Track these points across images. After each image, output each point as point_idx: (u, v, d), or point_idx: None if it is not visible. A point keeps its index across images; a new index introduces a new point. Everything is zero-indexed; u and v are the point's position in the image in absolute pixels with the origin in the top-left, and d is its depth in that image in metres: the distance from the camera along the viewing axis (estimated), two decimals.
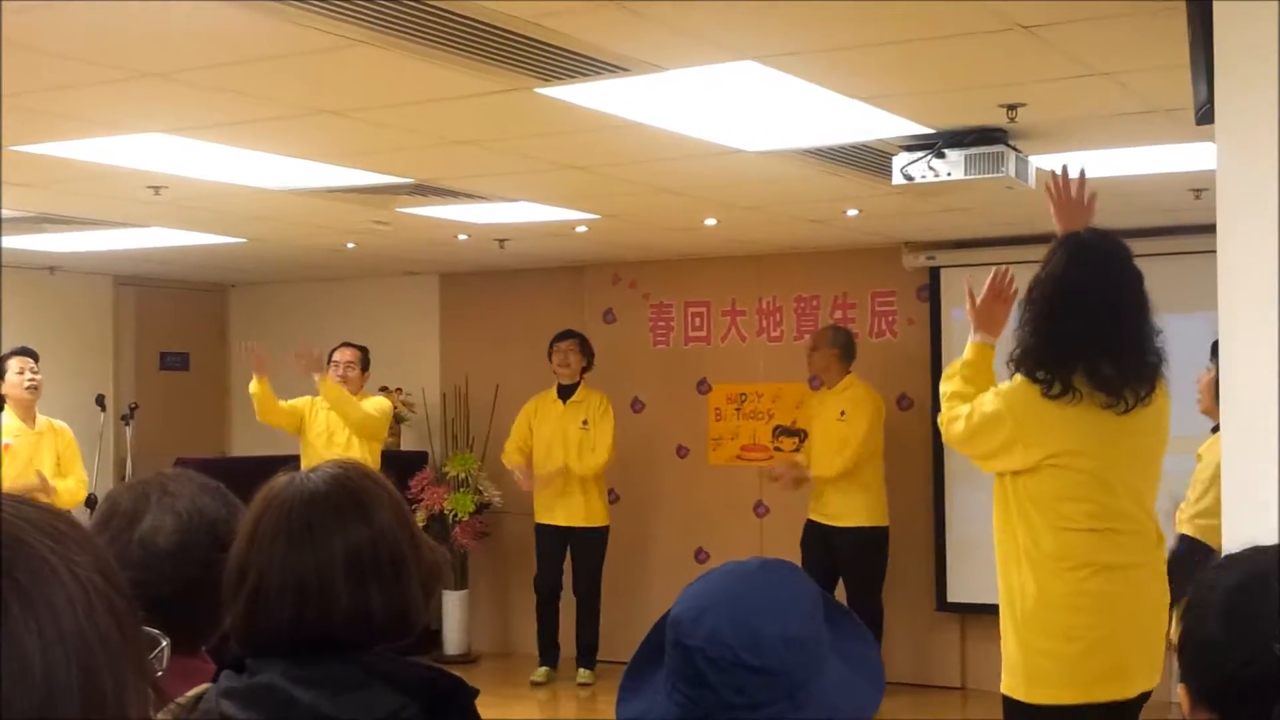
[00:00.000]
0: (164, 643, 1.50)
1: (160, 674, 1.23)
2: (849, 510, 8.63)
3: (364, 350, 9.07)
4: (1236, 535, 2.72)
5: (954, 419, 4.14)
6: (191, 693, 2.09)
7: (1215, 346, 5.15)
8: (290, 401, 8.80)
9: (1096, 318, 4.01)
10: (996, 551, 4.15)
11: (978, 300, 4.30)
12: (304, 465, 7.46)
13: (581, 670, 9.40)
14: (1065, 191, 4.29)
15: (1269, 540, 1.73)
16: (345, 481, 2.21)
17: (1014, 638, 4.05)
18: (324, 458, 2.87)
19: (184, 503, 2.46)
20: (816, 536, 8.58)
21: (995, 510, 4.16)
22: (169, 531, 2.41)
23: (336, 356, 8.94)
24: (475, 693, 2.12)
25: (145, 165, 6.19)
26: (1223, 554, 1.86)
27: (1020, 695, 4.02)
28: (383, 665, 2.07)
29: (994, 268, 4.42)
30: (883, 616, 8.53)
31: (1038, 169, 6.03)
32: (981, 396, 4.09)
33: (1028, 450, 4.00)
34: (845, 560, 8.54)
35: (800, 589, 1.80)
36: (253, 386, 8.64)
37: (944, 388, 4.24)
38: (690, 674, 1.72)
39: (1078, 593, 3.96)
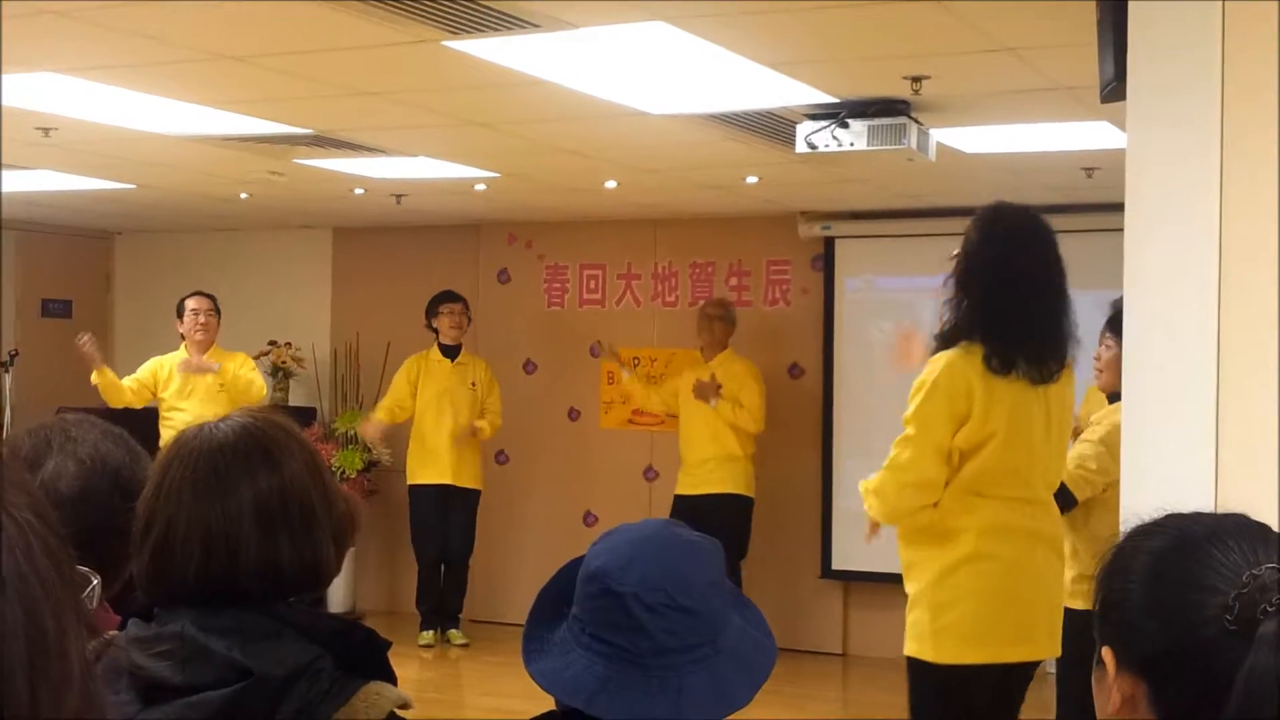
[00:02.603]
0: (95, 581, 1.48)
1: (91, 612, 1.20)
2: (719, 478, 8.68)
3: (214, 299, 8.83)
4: (1135, 507, 2.77)
5: (894, 456, 4.18)
6: (94, 642, 2.05)
7: (1113, 321, 5.24)
8: (133, 376, 8.62)
9: (1020, 289, 4.09)
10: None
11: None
12: (163, 428, 7.43)
13: (453, 631, 9.39)
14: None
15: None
16: (255, 431, 2.18)
17: (923, 601, 4.10)
18: (185, 418, 2.79)
19: (86, 449, 2.41)
20: (683, 509, 8.59)
21: None
22: (71, 477, 2.36)
23: (192, 305, 8.68)
24: (388, 645, 2.11)
25: (36, 105, 6.04)
26: (1122, 526, 1.86)
27: (928, 656, 4.08)
28: (295, 616, 2.05)
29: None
30: (740, 587, 8.58)
31: (940, 141, 6.10)
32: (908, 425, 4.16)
33: (972, 423, 4.05)
34: (711, 527, 8.54)
35: (705, 538, 1.89)
36: (94, 378, 8.46)
37: (896, 502, 4.23)
38: (621, 621, 1.76)
39: (986, 555, 4.03)
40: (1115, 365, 5.12)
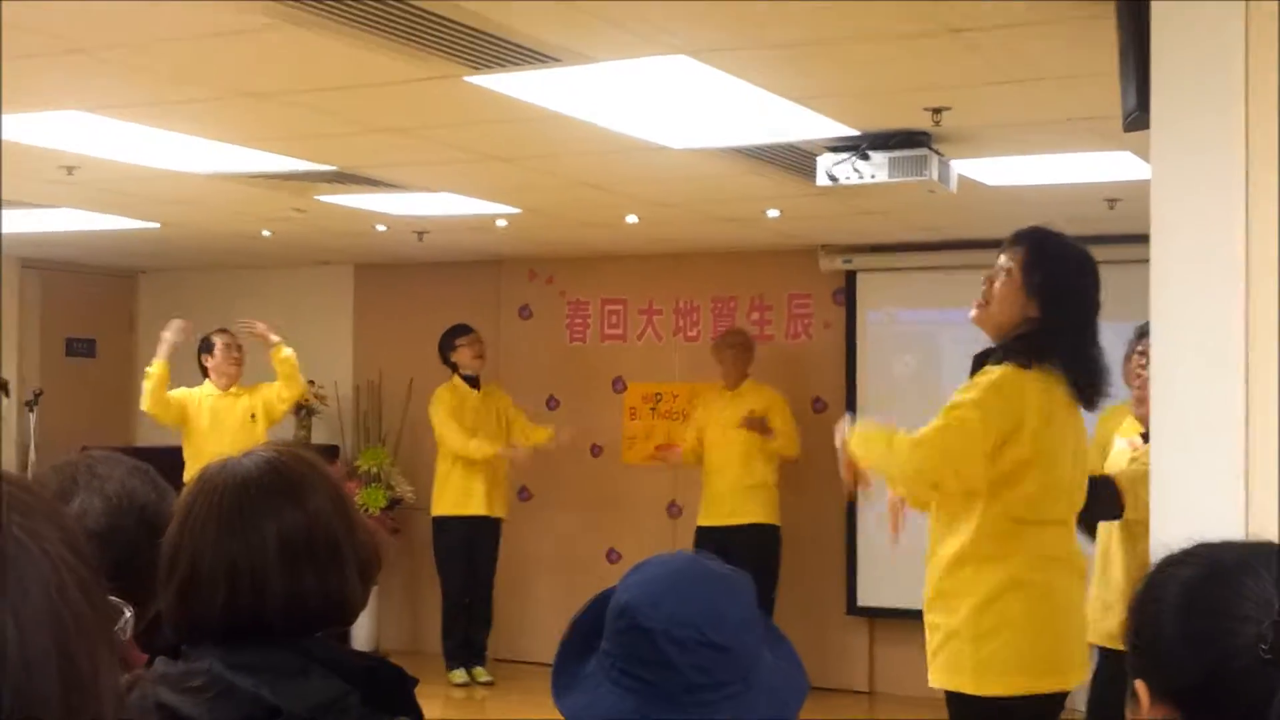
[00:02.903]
0: (127, 613, 1.47)
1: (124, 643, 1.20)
2: (749, 508, 8.68)
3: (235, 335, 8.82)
4: (1165, 538, 2.75)
5: (929, 441, 4.06)
6: (124, 677, 2.04)
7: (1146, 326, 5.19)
8: (175, 393, 8.56)
9: (1086, 315, 4.08)
10: (936, 549, 4.11)
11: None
12: (189, 460, 7.36)
13: (478, 669, 9.35)
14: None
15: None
16: (279, 465, 2.17)
17: (965, 631, 4.02)
18: (211, 453, 2.74)
19: (113, 485, 2.40)
20: (710, 541, 8.56)
21: (937, 511, 4.14)
22: (97, 514, 2.36)
23: (223, 340, 8.67)
24: (415, 682, 2.09)
25: (59, 144, 6.07)
26: (1151, 557, 1.84)
27: (969, 689, 4.01)
28: (322, 652, 2.04)
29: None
30: (771, 617, 8.53)
31: (961, 173, 6.09)
32: (960, 403, 4.05)
33: (1032, 440, 3.98)
34: (742, 558, 8.52)
35: (736, 572, 1.85)
36: (156, 366, 8.38)
37: (903, 463, 4.12)
38: (650, 657, 1.73)
39: (1029, 582, 3.99)
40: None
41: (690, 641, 1.72)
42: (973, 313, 4.15)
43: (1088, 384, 4.05)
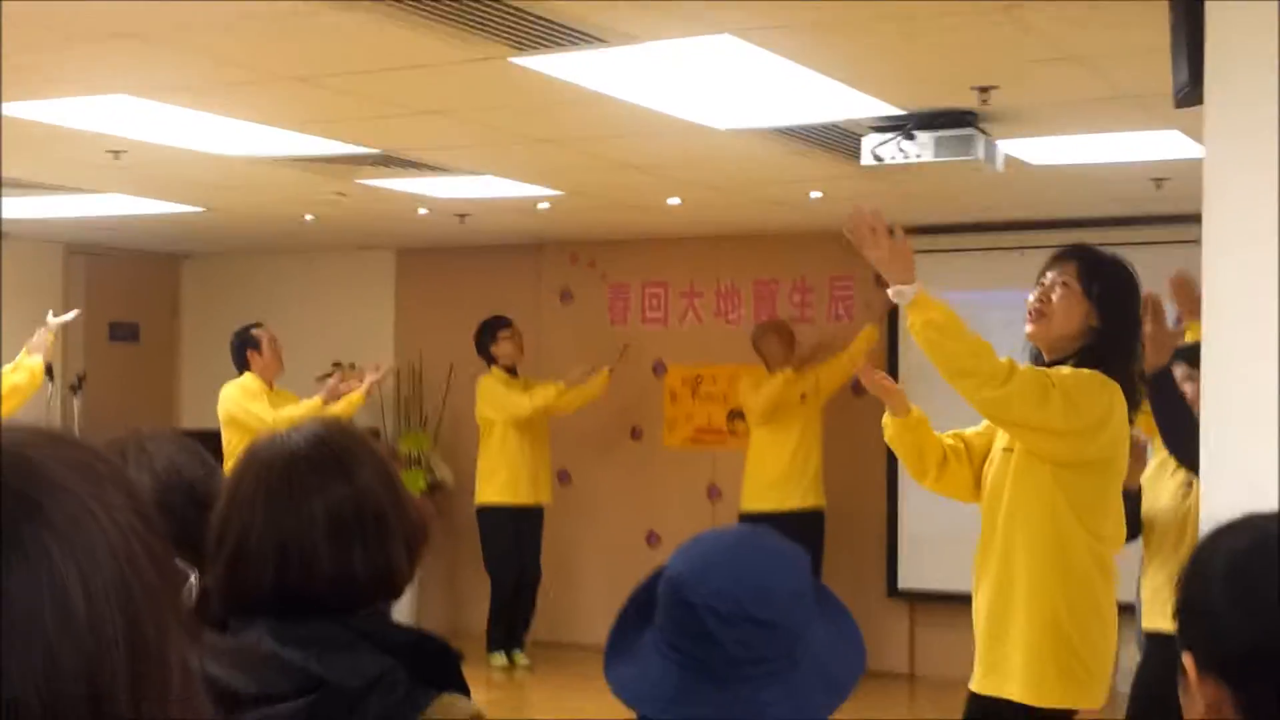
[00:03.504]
0: (192, 576, 1.47)
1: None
2: (800, 492, 8.69)
3: None
4: (1215, 514, 2.72)
5: (1032, 377, 3.86)
6: None
7: (1189, 353, 5.18)
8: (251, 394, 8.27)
9: (1137, 325, 4.10)
10: (1014, 552, 3.97)
11: (874, 250, 3.92)
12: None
13: (517, 653, 9.37)
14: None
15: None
16: (327, 440, 2.18)
17: (1047, 640, 3.92)
18: None
19: (161, 461, 2.41)
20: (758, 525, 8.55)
21: (1019, 510, 3.98)
22: (146, 489, 2.36)
23: (267, 335, 8.31)
24: (461, 656, 2.09)
25: (106, 128, 6.10)
26: (1200, 530, 1.83)
27: (1030, 699, 3.92)
28: (369, 626, 2.04)
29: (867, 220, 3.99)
30: None
31: (1007, 153, 6.05)
32: (1064, 369, 3.94)
33: (1113, 439, 3.93)
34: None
35: (791, 547, 1.84)
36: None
37: (973, 360, 3.81)
38: (695, 630, 1.73)
39: (1106, 603, 3.98)
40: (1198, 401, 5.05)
41: (733, 616, 1.71)
42: (1029, 328, 4.10)
43: (1130, 394, 4.03)
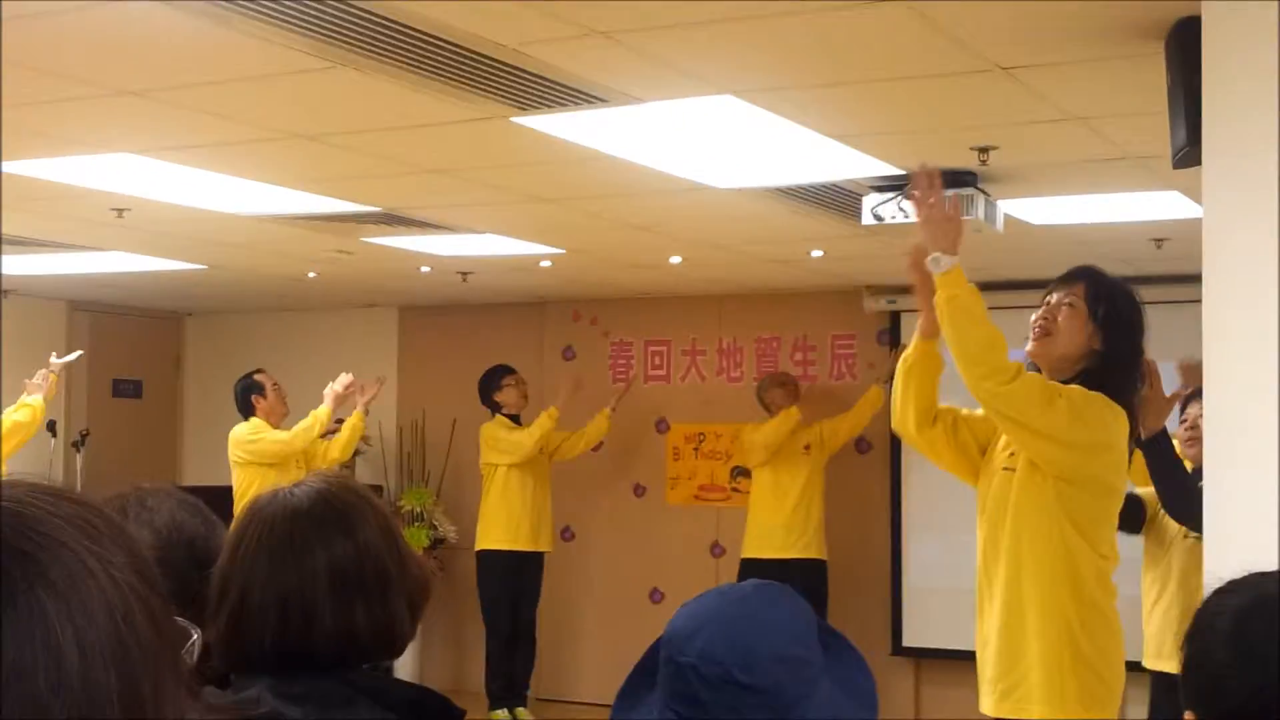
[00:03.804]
0: (195, 635, 1.47)
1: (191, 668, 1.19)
2: (803, 543, 8.69)
3: None
4: (1219, 571, 2.73)
5: (1038, 382, 3.84)
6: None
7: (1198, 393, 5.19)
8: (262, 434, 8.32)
9: (1140, 350, 4.08)
10: (1023, 571, 3.92)
11: (927, 208, 3.85)
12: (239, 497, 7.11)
13: (521, 710, 9.31)
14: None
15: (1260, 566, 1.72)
16: (329, 496, 2.18)
17: (1066, 656, 3.88)
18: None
19: (162, 518, 2.41)
20: (754, 574, 8.54)
21: (1025, 528, 3.94)
22: (147, 545, 2.34)
23: (271, 380, 8.36)
24: (462, 713, 2.09)
25: (110, 186, 6.13)
26: (1204, 588, 1.84)
27: (1054, 716, 3.88)
28: (370, 683, 2.04)
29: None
30: None
31: (1007, 213, 6.08)
32: (1074, 386, 3.92)
33: (1116, 462, 3.92)
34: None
35: (794, 610, 1.80)
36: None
37: (986, 351, 3.78)
38: (684, 691, 1.71)
39: (1113, 617, 3.96)
40: None
41: (716, 679, 1.68)
42: (1030, 346, 4.08)
43: (1132, 418, 4.03)
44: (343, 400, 8.26)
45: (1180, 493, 4.86)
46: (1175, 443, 5.27)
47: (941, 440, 4.10)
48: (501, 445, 9.18)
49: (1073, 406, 3.82)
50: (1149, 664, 5.41)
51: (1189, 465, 5.08)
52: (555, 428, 9.17)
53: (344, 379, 8.28)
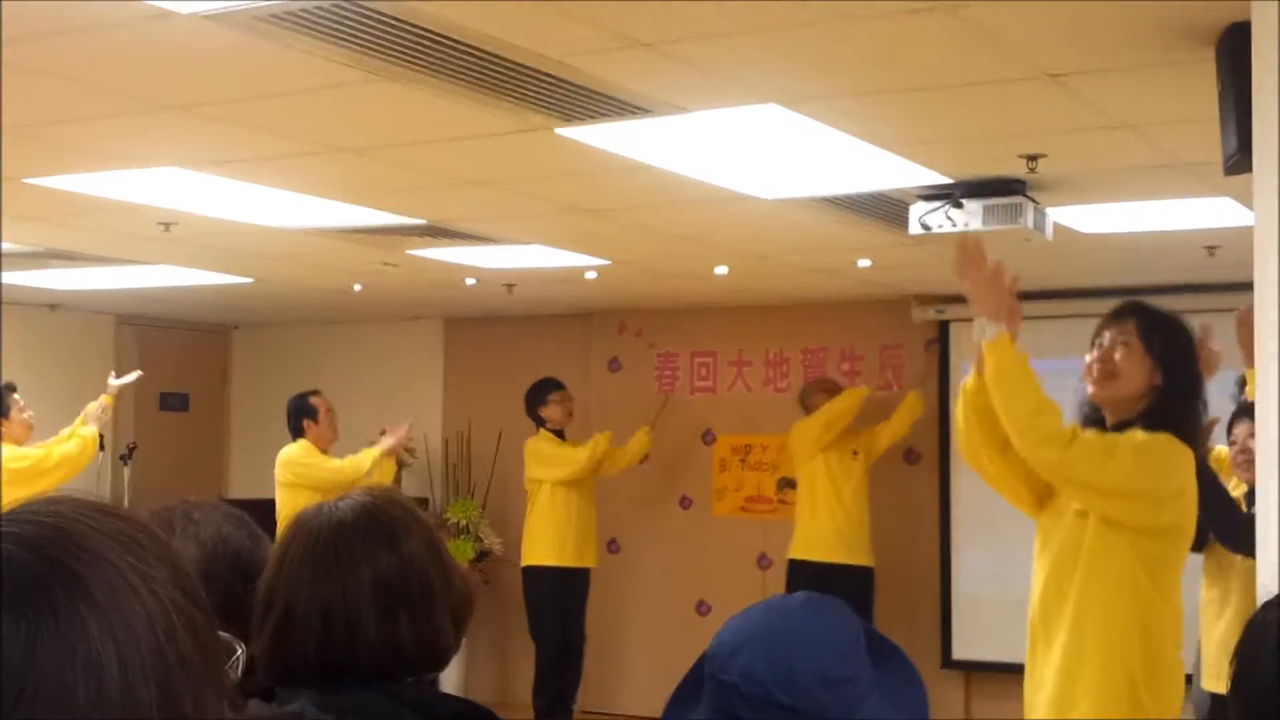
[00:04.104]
0: (239, 650, 1.46)
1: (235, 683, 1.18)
2: (842, 548, 8.64)
3: None
4: (1272, 585, 2.68)
5: (1096, 441, 3.79)
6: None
7: (1250, 409, 5.14)
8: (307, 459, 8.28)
9: (1199, 380, 4.03)
10: (1088, 620, 3.85)
11: (972, 277, 3.79)
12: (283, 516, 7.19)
13: None
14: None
15: None
16: (374, 509, 2.18)
17: (1123, 705, 3.80)
18: None
19: (208, 531, 2.41)
20: (801, 573, 8.51)
21: (1094, 576, 3.85)
22: (192, 559, 2.36)
23: (324, 404, 8.30)
24: None
25: (156, 201, 6.16)
26: (1257, 602, 1.81)
27: None
28: (414, 696, 2.03)
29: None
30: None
31: (1056, 221, 6.03)
32: (1138, 433, 3.84)
33: (1188, 506, 3.85)
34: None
35: (841, 626, 1.77)
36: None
37: (1035, 418, 3.71)
38: (725, 708, 1.70)
39: (1177, 665, 3.90)
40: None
41: (757, 699, 1.67)
42: (1091, 390, 4.01)
43: (1196, 451, 3.97)
44: (391, 453, 8.40)
45: (1229, 521, 4.81)
46: (1223, 463, 5.23)
47: (1012, 474, 3.99)
48: (550, 460, 9.15)
49: (1137, 457, 3.74)
50: (1207, 686, 5.36)
51: (1244, 487, 5.03)
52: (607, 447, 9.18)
53: (387, 442, 8.37)
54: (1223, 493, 4.83)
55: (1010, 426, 3.74)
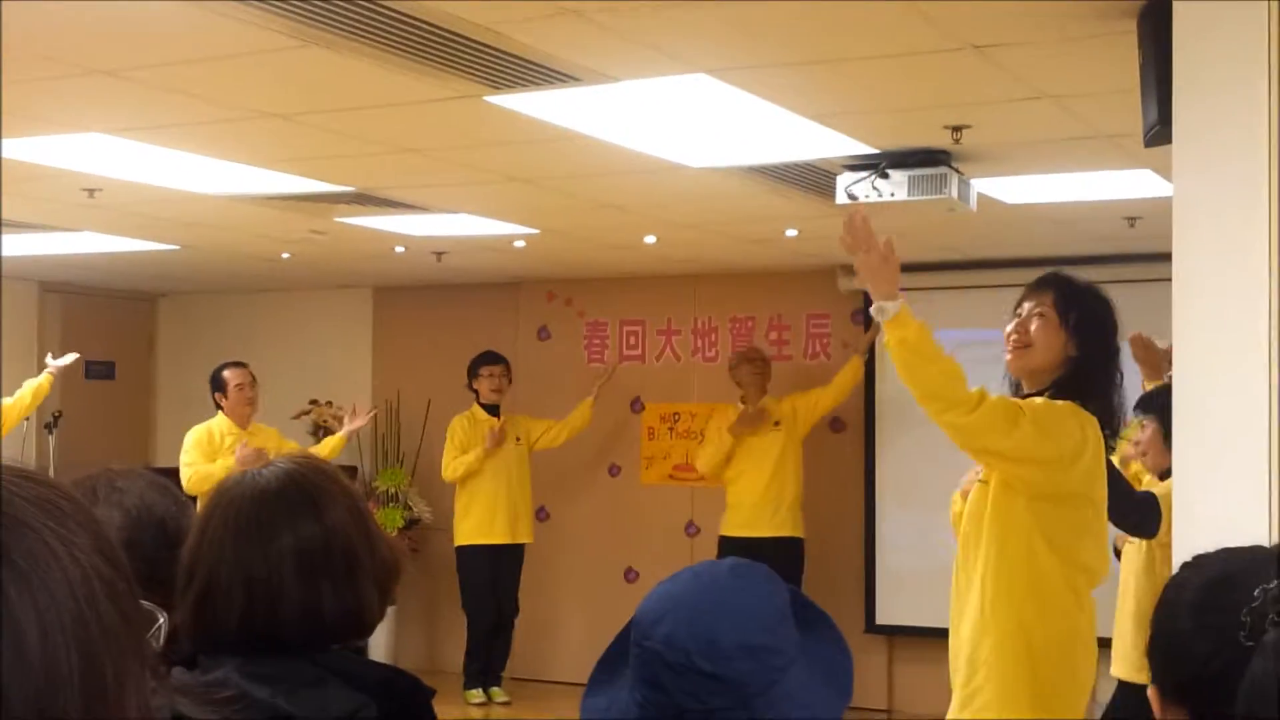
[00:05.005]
0: (161, 619, 1.46)
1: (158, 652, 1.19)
2: (777, 521, 8.70)
3: (247, 366, 8.51)
4: (1192, 542, 2.73)
5: (1001, 405, 3.80)
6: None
7: (1145, 401, 5.27)
8: (192, 463, 8.18)
9: (1115, 352, 4.07)
10: (988, 586, 3.93)
11: (864, 256, 3.81)
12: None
13: (495, 689, 9.34)
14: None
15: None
16: (297, 477, 2.17)
17: (1024, 677, 3.88)
18: None
19: (132, 498, 2.40)
20: (732, 550, 8.57)
21: (994, 543, 3.93)
22: (117, 527, 2.34)
23: (236, 379, 8.29)
24: (432, 693, 2.08)
25: (81, 167, 6.09)
26: (1174, 567, 1.86)
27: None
28: (339, 663, 2.03)
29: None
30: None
31: (981, 192, 6.08)
32: (1037, 400, 3.91)
33: (1088, 471, 3.90)
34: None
35: (766, 595, 1.76)
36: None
37: (940, 385, 3.75)
38: (649, 675, 1.70)
39: (1087, 633, 3.95)
40: (1157, 442, 5.17)
41: (679, 666, 1.67)
42: (1008, 358, 4.08)
43: (1109, 423, 4.03)
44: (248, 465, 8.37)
45: (1122, 503, 4.92)
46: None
47: None
48: (449, 451, 9.35)
49: (1038, 423, 3.80)
50: (1114, 672, 5.53)
51: (1151, 473, 5.21)
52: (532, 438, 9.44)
53: (352, 426, 8.73)
54: (1114, 471, 4.92)
55: (919, 395, 3.79)
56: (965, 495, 4.12)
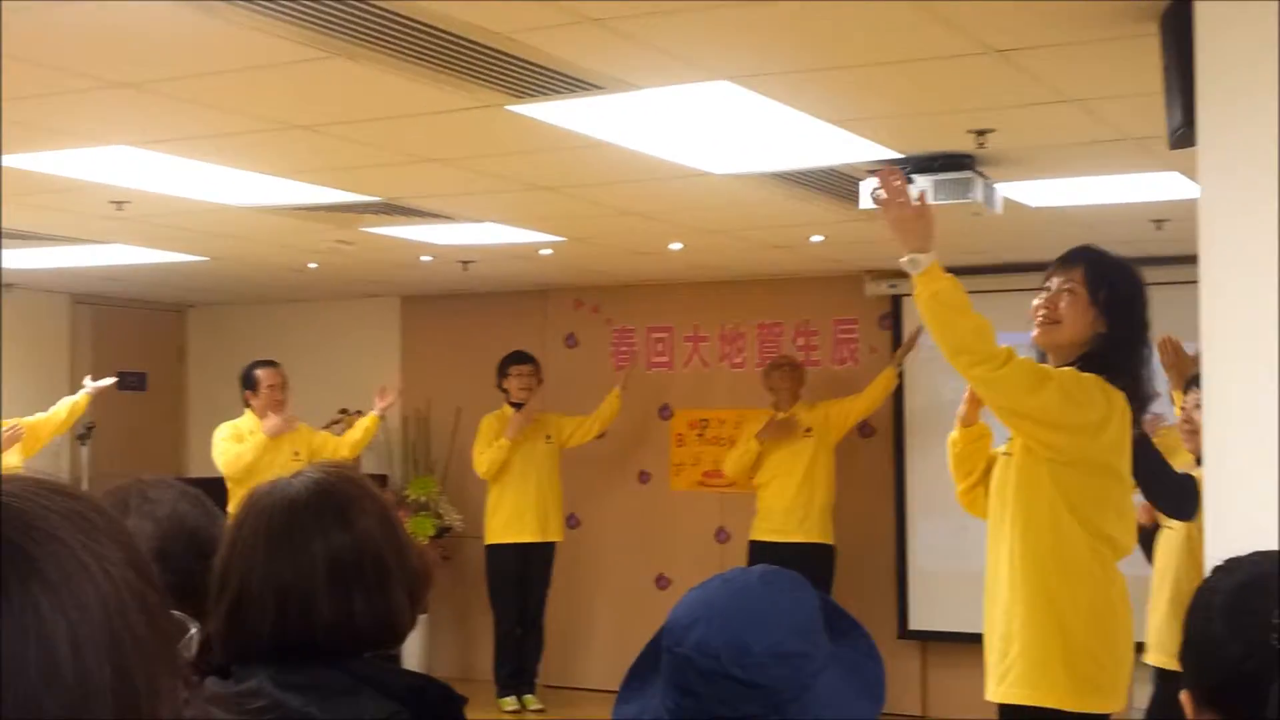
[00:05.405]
0: (193, 629, 1.47)
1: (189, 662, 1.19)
2: (807, 527, 8.71)
3: (280, 366, 8.62)
4: (1217, 555, 2.73)
5: (1029, 365, 3.82)
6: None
7: (1194, 380, 5.23)
8: (224, 432, 8.39)
9: (1146, 329, 4.06)
10: (1016, 556, 3.93)
11: (896, 209, 3.84)
12: (233, 490, 7.39)
13: (528, 696, 9.34)
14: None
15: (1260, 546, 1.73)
16: (327, 487, 2.19)
17: (1056, 645, 3.86)
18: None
19: (164, 509, 2.42)
20: (762, 556, 8.57)
21: (1020, 513, 3.94)
22: (148, 537, 2.37)
23: (268, 379, 8.40)
24: (464, 701, 2.10)
25: (109, 179, 6.13)
26: (1206, 569, 1.86)
27: (1069, 705, 3.86)
28: (371, 672, 2.05)
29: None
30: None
31: (1006, 195, 6.07)
32: (1065, 368, 3.90)
33: (1112, 442, 3.89)
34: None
35: (798, 602, 1.77)
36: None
37: (970, 339, 3.75)
38: (680, 682, 1.70)
39: (1120, 602, 3.94)
40: None
41: (711, 672, 1.67)
42: (1035, 333, 4.06)
43: (1138, 401, 4.02)
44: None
45: (1161, 484, 4.90)
46: (1172, 435, 5.33)
47: (982, 498, 4.17)
48: (478, 445, 9.40)
49: (1063, 389, 3.81)
50: (1150, 659, 5.49)
51: (1189, 457, 5.12)
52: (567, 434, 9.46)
53: (382, 405, 8.86)
54: (1152, 453, 4.90)
55: (947, 348, 3.78)
56: (963, 423, 4.10)
